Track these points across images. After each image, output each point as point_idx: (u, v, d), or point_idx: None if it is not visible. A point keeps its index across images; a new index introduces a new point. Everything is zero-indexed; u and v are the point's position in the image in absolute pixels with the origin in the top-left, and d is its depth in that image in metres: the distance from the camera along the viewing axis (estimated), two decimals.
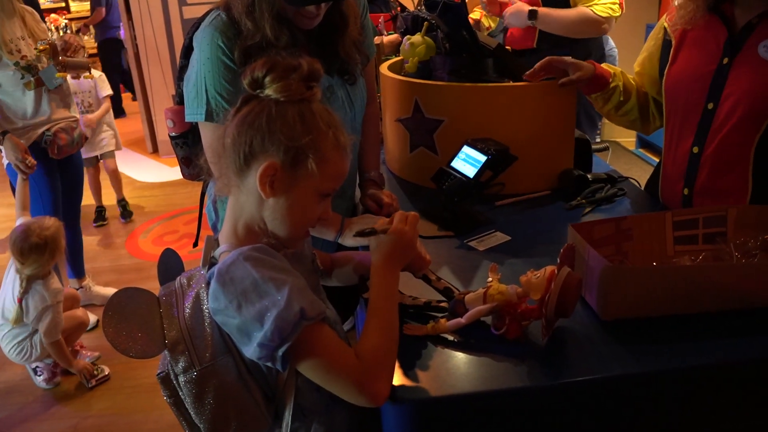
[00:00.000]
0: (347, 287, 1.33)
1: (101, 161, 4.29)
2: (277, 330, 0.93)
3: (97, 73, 4.12)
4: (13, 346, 2.63)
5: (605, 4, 2.51)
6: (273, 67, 1.00)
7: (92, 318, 3.10)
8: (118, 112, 6.87)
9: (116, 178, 4.42)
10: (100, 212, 4.45)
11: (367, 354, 0.99)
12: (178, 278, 1.12)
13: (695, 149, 1.53)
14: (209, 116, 1.47)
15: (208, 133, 1.50)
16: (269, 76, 0.99)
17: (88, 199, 3.89)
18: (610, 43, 2.80)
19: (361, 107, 1.68)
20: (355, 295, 1.37)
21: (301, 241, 1.14)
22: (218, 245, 1.08)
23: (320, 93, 1.04)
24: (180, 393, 1.06)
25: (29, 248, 2.52)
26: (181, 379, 1.03)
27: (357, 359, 0.98)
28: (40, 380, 2.75)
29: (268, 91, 1.00)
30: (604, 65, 1.72)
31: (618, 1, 2.53)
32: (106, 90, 4.14)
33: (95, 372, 2.76)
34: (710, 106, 1.49)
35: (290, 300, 0.94)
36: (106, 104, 4.14)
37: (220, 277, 0.97)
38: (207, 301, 1.03)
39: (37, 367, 2.75)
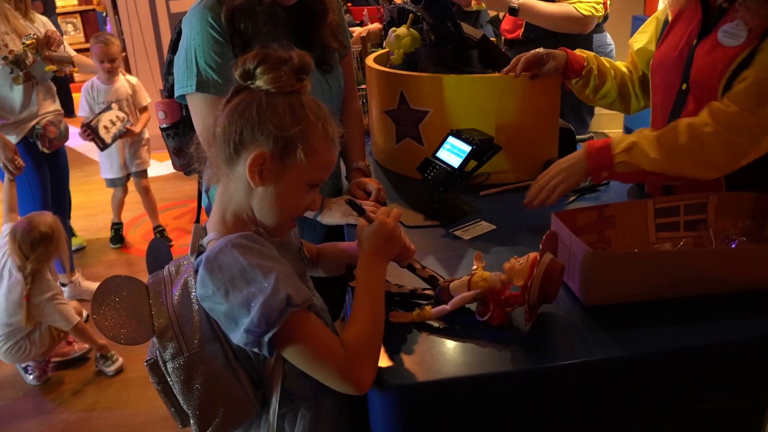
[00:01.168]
0: (335, 278, 1.34)
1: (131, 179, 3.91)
2: (263, 316, 0.94)
3: (134, 79, 3.83)
4: (8, 348, 2.61)
5: (589, 2, 2.52)
6: (264, 59, 1.01)
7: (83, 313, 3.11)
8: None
9: (151, 199, 3.96)
10: (117, 230, 4.02)
11: (352, 342, 1.00)
12: (166, 266, 1.13)
13: None
14: (200, 86, 1.49)
15: (199, 104, 1.52)
16: (260, 67, 1.01)
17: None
18: (607, 38, 2.80)
19: (338, 93, 1.72)
20: (343, 286, 1.38)
21: (287, 230, 1.16)
22: (206, 233, 1.09)
23: (310, 85, 1.06)
24: (168, 379, 1.07)
25: (38, 239, 2.51)
26: (170, 365, 1.05)
27: (342, 347, 1.00)
28: (30, 378, 2.75)
29: (259, 83, 1.01)
30: (577, 51, 1.75)
31: (601, 1, 2.54)
32: (145, 99, 3.82)
33: (109, 355, 2.79)
34: (684, 86, 1.52)
35: (277, 287, 0.96)
36: (146, 114, 3.80)
37: (208, 264, 0.99)
38: (195, 289, 1.05)
39: (27, 366, 2.75)
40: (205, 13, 1.50)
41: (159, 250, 1.18)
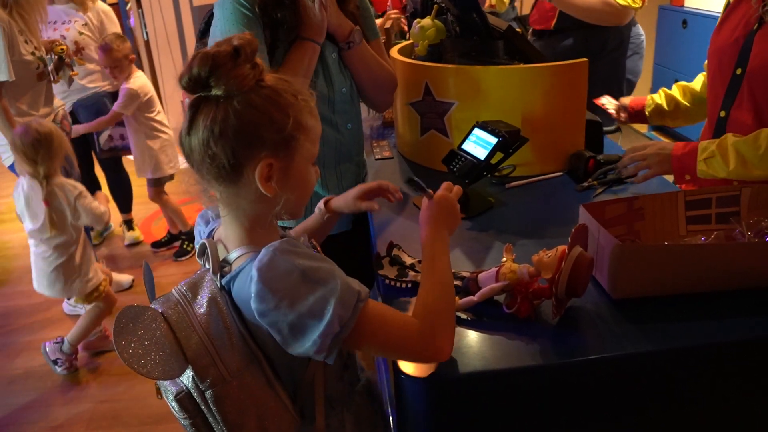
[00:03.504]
0: (362, 266, 1.34)
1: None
2: (337, 317, 0.90)
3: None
4: (56, 261, 2.61)
5: None
6: (216, 63, 0.91)
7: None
8: None
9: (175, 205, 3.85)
10: (183, 242, 3.83)
11: (423, 314, 0.99)
12: (175, 289, 1.03)
13: (722, 113, 1.57)
14: None
15: None
16: (215, 74, 0.91)
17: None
18: (639, 30, 2.76)
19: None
20: (370, 273, 1.38)
21: (303, 211, 1.10)
22: (225, 249, 1.03)
23: (264, 64, 1.00)
24: (204, 410, 0.99)
25: (38, 140, 2.47)
26: (209, 394, 0.96)
27: (414, 320, 0.98)
28: (59, 370, 2.79)
29: (217, 91, 0.93)
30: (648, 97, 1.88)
31: None
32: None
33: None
34: (738, 71, 1.51)
35: (345, 284, 0.92)
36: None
37: (263, 277, 0.91)
38: (227, 306, 0.98)
39: (57, 359, 2.79)
40: None
41: (149, 277, 1.10)
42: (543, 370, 1.04)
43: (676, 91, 1.87)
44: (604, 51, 2.65)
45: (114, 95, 3.64)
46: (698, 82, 1.84)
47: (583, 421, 1.08)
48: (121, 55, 3.35)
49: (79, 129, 3.46)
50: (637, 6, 2.52)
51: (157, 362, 0.93)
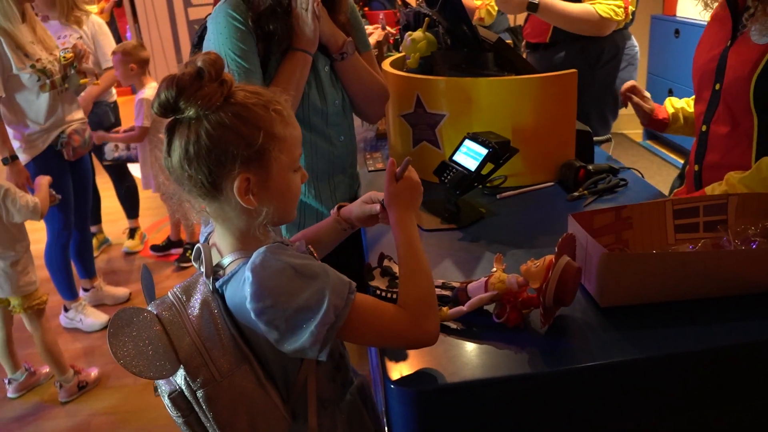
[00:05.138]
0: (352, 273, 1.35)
1: None
2: (332, 307, 0.94)
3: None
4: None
5: (609, 4, 2.51)
6: (180, 86, 0.94)
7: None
8: None
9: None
10: (186, 250, 3.85)
11: (411, 299, 1.03)
12: (170, 292, 1.06)
13: (704, 128, 1.60)
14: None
15: None
16: (182, 97, 0.94)
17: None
18: (633, 41, 2.79)
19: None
20: (361, 283, 1.39)
21: (295, 213, 1.12)
22: (219, 254, 1.05)
23: (233, 77, 1.01)
24: (197, 409, 1.01)
25: None
26: (201, 394, 0.99)
27: (402, 308, 1.02)
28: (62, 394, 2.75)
29: (189, 113, 0.96)
30: (667, 103, 1.87)
31: (623, 5, 2.53)
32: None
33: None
34: (717, 86, 1.55)
35: (337, 276, 0.97)
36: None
37: (257, 276, 0.94)
38: (219, 309, 1.01)
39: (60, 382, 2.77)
40: (228, 9, 1.57)
41: (147, 279, 1.13)
42: (532, 379, 1.05)
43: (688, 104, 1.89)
44: (599, 63, 2.67)
45: (114, 105, 3.67)
46: None
47: (571, 429, 1.09)
48: (141, 58, 3.43)
49: (105, 137, 3.50)
50: (619, 18, 2.53)
51: (150, 362, 0.96)
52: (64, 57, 2.91)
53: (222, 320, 1.01)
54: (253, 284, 0.93)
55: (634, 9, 2.61)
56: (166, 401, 1.03)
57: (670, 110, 1.87)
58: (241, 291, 0.96)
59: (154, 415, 2.56)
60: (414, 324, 1.01)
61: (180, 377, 1.00)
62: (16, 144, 2.87)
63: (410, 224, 1.13)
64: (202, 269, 1.04)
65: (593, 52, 2.65)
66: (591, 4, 2.51)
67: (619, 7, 2.51)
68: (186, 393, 1.01)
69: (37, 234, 3.01)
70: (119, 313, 1.00)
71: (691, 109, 1.85)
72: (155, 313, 1.02)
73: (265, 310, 0.94)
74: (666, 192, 1.84)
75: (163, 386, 1.03)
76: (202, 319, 1.01)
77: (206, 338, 1.00)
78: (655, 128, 1.89)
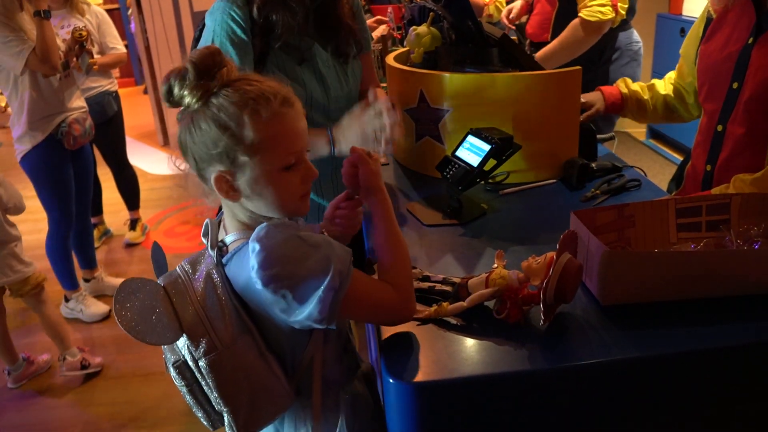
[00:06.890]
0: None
1: None
2: (338, 272, 0.97)
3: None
4: None
5: (592, 8, 2.51)
6: (169, 82, 1.00)
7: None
8: None
9: None
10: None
11: (399, 279, 1.07)
12: (178, 266, 1.10)
13: (719, 127, 1.58)
14: None
15: None
16: (171, 93, 1.00)
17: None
18: (634, 35, 2.78)
19: (356, 88, 1.77)
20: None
21: (305, 207, 1.10)
22: (224, 230, 1.09)
23: (234, 70, 1.02)
24: (200, 379, 1.05)
25: None
26: (203, 362, 1.02)
27: (391, 286, 1.06)
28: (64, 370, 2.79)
29: (184, 106, 1.01)
30: (620, 83, 1.90)
31: (608, 3, 2.52)
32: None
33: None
34: (735, 85, 1.53)
35: (338, 245, 1.01)
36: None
37: (264, 246, 0.95)
38: (222, 280, 1.04)
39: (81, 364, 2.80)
40: (228, 5, 1.57)
41: (159, 255, 1.16)
42: (532, 376, 1.05)
43: (641, 89, 1.94)
44: (602, 59, 2.67)
45: (116, 94, 3.67)
46: (663, 86, 1.91)
47: (571, 426, 1.09)
48: None
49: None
50: (610, 16, 2.53)
51: (152, 328, 1.00)
52: (79, 33, 2.94)
53: (224, 291, 1.04)
54: (261, 253, 0.95)
55: (626, 5, 2.60)
56: (171, 370, 1.07)
57: (624, 90, 1.92)
58: (245, 266, 0.99)
59: (153, 405, 2.57)
60: (403, 302, 1.07)
61: (184, 347, 1.04)
62: (17, 132, 2.87)
63: (386, 202, 1.14)
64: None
65: (595, 49, 2.65)
66: (579, 14, 2.53)
67: (604, 6, 2.51)
68: (189, 363, 1.04)
69: (39, 224, 3.02)
70: (126, 281, 1.04)
71: (646, 96, 1.91)
72: (162, 284, 1.06)
73: (273, 277, 0.95)
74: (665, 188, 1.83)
75: (169, 356, 1.07)
76: (205, 291, 1.05)
77: (209, 308, 1.03)
78: (613, 112, 1.95)
